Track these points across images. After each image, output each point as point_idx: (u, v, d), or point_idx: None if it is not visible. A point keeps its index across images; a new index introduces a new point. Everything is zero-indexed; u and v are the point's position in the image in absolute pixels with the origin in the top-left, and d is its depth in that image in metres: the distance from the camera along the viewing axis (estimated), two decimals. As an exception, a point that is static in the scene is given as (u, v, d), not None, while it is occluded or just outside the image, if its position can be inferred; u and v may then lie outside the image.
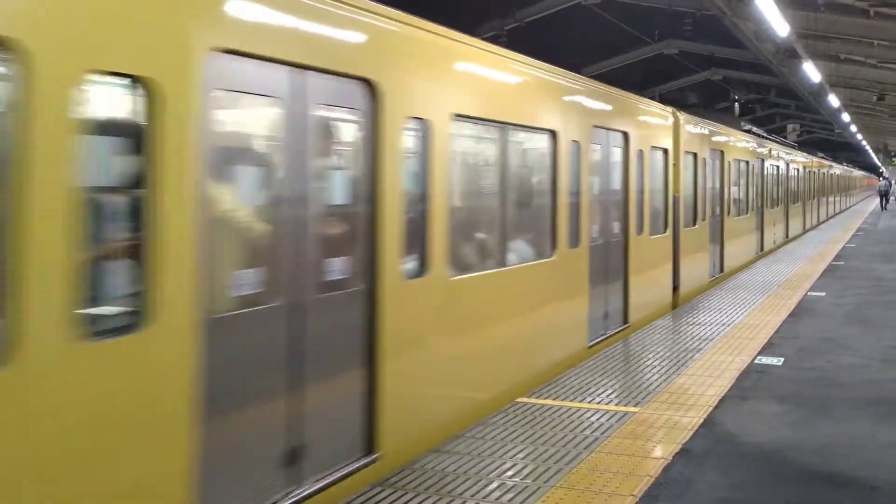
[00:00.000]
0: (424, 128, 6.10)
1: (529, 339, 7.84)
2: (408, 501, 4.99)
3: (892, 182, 55.99)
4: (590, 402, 7.13)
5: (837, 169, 49.98)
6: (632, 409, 6.89)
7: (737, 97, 35.86)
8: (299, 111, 4.90)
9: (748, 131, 21.82)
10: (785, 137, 38.10)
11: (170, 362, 3.93)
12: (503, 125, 7.37)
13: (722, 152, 16.25)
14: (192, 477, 4.00)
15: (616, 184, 10.64)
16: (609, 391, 7.48)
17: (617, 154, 10.53)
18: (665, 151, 12.49)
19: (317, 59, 4.96)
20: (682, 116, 13.39)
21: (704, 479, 5.35)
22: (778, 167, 24.05)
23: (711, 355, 8.84)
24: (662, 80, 28.74)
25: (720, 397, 7.19)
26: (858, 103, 33.45)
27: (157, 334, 3.82)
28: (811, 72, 21.22)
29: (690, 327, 10.48)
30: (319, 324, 5.01)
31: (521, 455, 5.77)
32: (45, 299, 3.31)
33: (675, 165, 12.89)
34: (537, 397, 7.25)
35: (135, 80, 3.78)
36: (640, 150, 11.16)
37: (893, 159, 68.81)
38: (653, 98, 15.37)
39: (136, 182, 3.86)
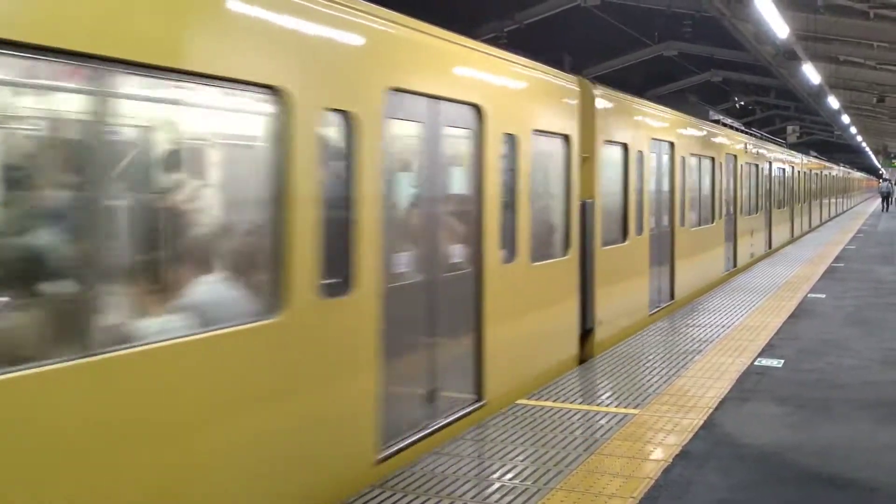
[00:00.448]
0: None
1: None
2: (408, 503, 4.99)
3: (894, 183, 55.88)
4: (589, 403, 7.12)
5: (835, 170, 47.34)
6: (632, 410, 6.88)
7: (736, 98, 35.87)
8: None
9: (717, 122, 17.83)
10: (785, 139, 38.12)
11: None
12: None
13: (672, 144, 13.02)
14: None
15: (466, 185, 7.22)
16: (609, 393, 7.48)
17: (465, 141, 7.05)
18: (566, 139, 8.85)
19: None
20: (599, 91, 9.82)
21: (704, 480, 5.34)
22: (759, 167, 20.97)
23: (711, 357, 8.84)
24: (662, 81, 28.75)
25: (720, 399, 7.19)
26: (858, 105, 33.46)
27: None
28: (811, 73, 21.23)
29: (690, 329, 10.48)
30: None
31: (520, 457, 5.77)
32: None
33: (588, 160, 9.49)
34: (537, 399, 7.25)
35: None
36: (510, 135, 7.59)
37: (894, 161, 68.82)
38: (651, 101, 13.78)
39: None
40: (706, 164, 15.39)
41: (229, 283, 4.77)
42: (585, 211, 9.28)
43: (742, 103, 37.61)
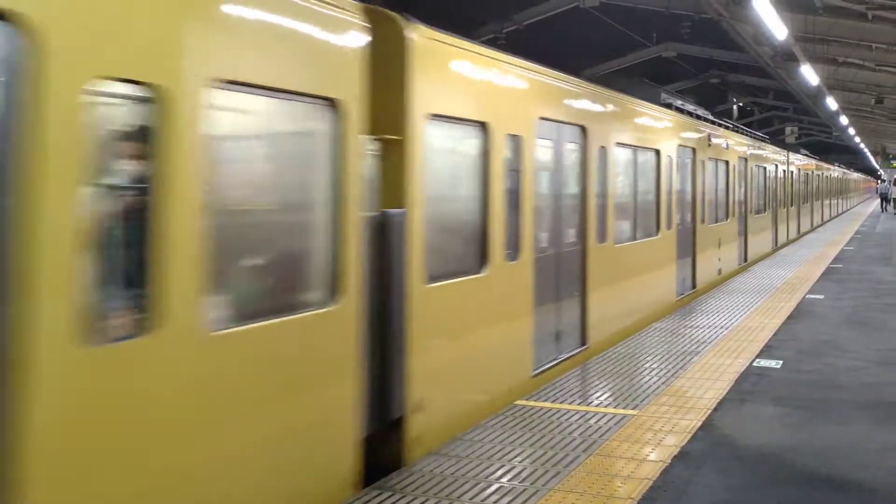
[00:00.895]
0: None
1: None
2: (406, 504, 5.00)
3: (892, 184, 55.82)
4: (588, 404, 7.13)
5: (830, 171, 44.60)
6: (630, 411, 6.89)
7: (735, 100, 35.89)
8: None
9: (668, 106, 13.92)
10: (783, 140, 38.10)
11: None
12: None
13: (584, 129, 9.52)
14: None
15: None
16: (607, 394, 7.48)
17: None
18: (333, 105, 5.22)
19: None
20: (422, 33, 6.37)
21: (703, 481, 5.35)
22: (730, 165, 17.42)
23: (710, 358, 8.85)
24: (661, 83, 28.75)
25: (719, 400, 7.20)
26: (856, 106, 33.50)
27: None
28: (809, 75, 21.25)
29: (689, 330, 10.49)
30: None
31: (519, 458, 5.77)
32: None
33: (399, 148, 6.11)
34: (536, 400, 7.25)
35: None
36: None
37: (892, 162, 68.86)
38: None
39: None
40: (628, 155, 11.34)
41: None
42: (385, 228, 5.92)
43: (740, 104, 37.64)
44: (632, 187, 11.45)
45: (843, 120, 38.03)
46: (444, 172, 7.17)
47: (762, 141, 23.81)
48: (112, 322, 3.77)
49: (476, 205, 7.24)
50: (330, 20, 5.25)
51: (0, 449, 3.29)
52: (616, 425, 6.50)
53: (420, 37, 6.34)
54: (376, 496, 5.09)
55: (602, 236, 9.90)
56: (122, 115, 4.06)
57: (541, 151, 8.50)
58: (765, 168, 21.82)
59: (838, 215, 46.73)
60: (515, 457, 5.79)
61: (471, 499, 5.07)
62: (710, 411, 6.86)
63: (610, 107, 10.60)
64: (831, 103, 29.16)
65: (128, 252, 3.95)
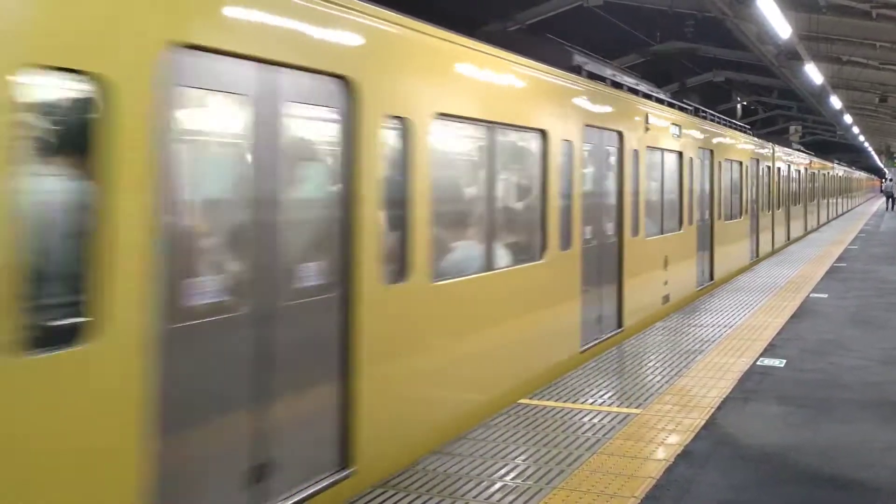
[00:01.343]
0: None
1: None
2: (410, 503, 5.00)
3: None
4: (591, 403, 7.13)
5: (831, 170, 41.61)
6: (634, 410, 6.89)
7: (739, 98, 35.85)
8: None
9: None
10: (787, 139, 38.03)
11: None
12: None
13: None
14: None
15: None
16: (611, 392, 7.49)
17: None
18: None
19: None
20: None
21: (706, 480, 5.35)
22: (682, 156, 13.60)
23: (714, 357, 8.85)
24: (665, 81, 28.73)
25: (722, 399, 7.20)
26: (861, 105, 33.43)
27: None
28: (813, 74, 21.22)
29: (692, 329, 10.48)
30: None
31: (522, 456, 5.78)
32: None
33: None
34: (539, 399, 7.26)
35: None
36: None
37: (896, 161, 68.74)
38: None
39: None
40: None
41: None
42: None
43: (744, 103, 37.60)
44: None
45: (848, 119, 37.96)
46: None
47: (742, 132, 20.23)
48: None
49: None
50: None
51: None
52: (620, 424, 6.50)
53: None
54: (380, 494, 5.10)
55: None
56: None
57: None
58: (741, 164, 18.41)
59: (837, 217, 43.38)
60: (519, 455, 5.80)
61: (475, 497, 5.08)
62: (713, 410, 6.86)
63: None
64: (835, 102, 29.11)
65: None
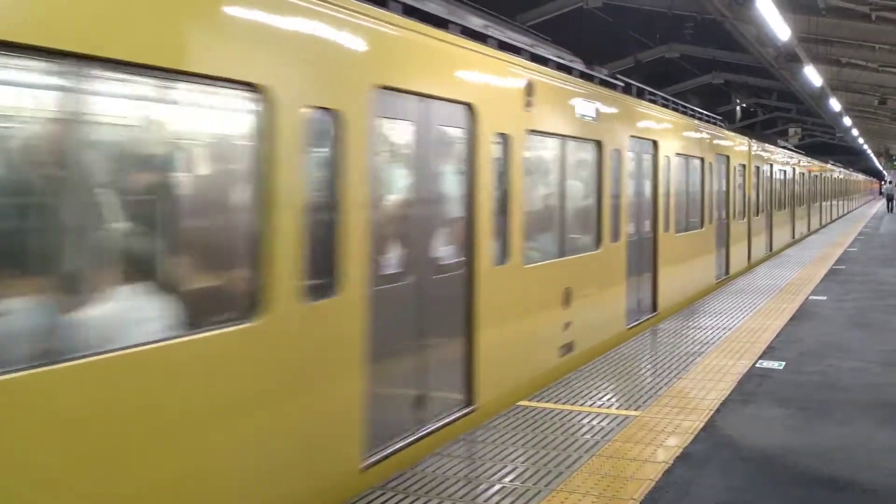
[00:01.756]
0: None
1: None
2: (408, 505, 5.00)
3: None
4: (590, 405, 7.13)
5: (826, 171, 39.06)
6: (633, 412, 6.89)
7: (738, 101, 35.86)
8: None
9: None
10: (787, 141, 38.04)
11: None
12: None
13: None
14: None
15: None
16: (610, 395, 7.48)
17: None
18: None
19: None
20: None
21: (705, 482, 5.35)
22: (600, 147, 10.48)
23: (713, 359, 8.85)
24: (664, 83, 28.75)
25: (721, 401, 7.19)
26: (860, 107, 33.47)
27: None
28: (812, 76, 21.24)
29: (692, 331, 10.48)
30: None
31: (521, 458, 5.78)
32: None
33: None
34: (538, 401, 7.26)
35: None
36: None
37: (895, 163, 68.78)
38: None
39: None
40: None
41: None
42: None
43: (744, 105, 37.61)
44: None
45: (847, 121, 38.00)
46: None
47: (712, 123, 16.29)
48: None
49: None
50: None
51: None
52: (618, 426, 6.50)
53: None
54: (379, 496, 5.10)
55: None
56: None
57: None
58: (701, 161, 14.82)
59: (829, 223, 39.23)
60: (518, 457, 5.80)
61: (473, 499, 5.08)
62: (712, 412, 6.86)
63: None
64: (834, 104, 29.15)
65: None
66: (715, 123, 16.51)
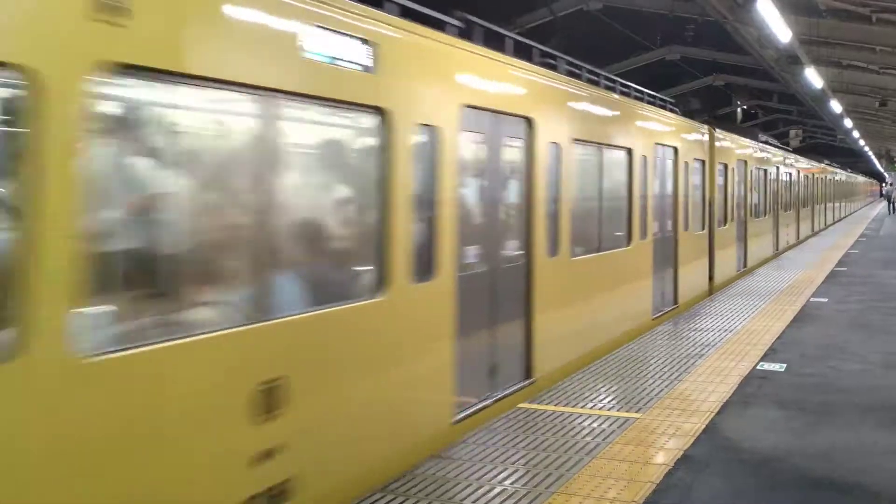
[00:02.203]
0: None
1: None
2: (409, 507, 4.99)
3: None
4: (591, 407, 7.12)
5: (834, 173, 36.72)
6: (633, 414, 6.88)
7: (739, 102, 35.85)
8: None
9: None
10: (787, 143, 38.01)
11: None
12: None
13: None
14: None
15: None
16: (610, 397, 7.47)
17: None
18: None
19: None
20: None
21: (706, 485, 5.34)
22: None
23: (714, 361, 8.84)
24: (665, 85, 28.74)
25: (722, 403, 7.18)
26: (861, 109, 33.45)
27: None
28: (813, 78, 21.23)
29: (693, 333, 10.47)
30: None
31: (522, 461, 5.76)
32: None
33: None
34: (539, 403, 7.25)
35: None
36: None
37: (896, 165, 68.76)
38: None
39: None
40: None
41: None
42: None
43: (745, 107, 37.60)
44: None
45: (848, 123, 37.99)
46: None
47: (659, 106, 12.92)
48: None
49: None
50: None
51: None
52: (619, 428, 6.49)
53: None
54: (380, 498, 5.09)
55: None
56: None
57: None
58: (629, 152, 11.04)
59: (824, 229, 35.13)
60: (518, 460, 5.79)
61: (473, 502, 5.07)
62: (713, 415, 6.85)
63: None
64: (835, 106, 29.14)
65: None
66: (663, 107, 13.00)
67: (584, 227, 9.61)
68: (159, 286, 4.34)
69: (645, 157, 11.38)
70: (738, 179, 17.55)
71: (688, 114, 16.14)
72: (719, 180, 15.78)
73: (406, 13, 6.13)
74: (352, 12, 5.35)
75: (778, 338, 10.12)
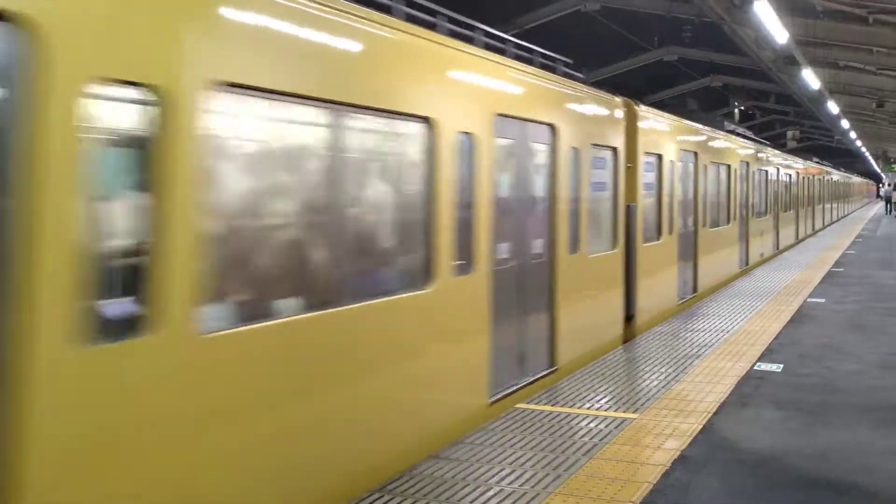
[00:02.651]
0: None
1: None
2: (406, 507, 4.99)
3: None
4: (588, 408, 7.13)
5: (830, 173, 35.08)
6: (631, 415, 6.89)
7: (737, 103, 35.89)
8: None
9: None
10: (784, 144, 38.03)
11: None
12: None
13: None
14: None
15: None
16: (608, 397, 7.48)
17: None
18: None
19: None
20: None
21: (703, 485, 5.35)
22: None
23: (711, 361, 8.84)
24: (663, 86, 28.78)
25: (719, 403, 7.19)
26: (857, 110, 33.49)
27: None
28: (810, 78, 21.27)
29: (690, 333, 10.48)
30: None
31: (519, 461, 5.77)
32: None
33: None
34: (536, 403, 7.25)
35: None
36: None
37: (893, 166, 68.84)
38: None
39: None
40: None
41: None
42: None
43: (742, 108, 37.64)
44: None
45: (845, 124, 38.04)
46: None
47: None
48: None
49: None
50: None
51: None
52: (616, 429, 6.50)
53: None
54: (378, 499, 5.09)
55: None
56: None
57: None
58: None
59: (808, 237, 31.03)
60: (516, 460, 5.79)
61: (471, 502, 5.07)
62: (710, 415, 6.85)
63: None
64: (832, 107, 29.18)
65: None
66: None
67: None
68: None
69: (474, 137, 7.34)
70: (683, 177, 13.70)
71: (687, 114, 15.90)
72: (647, 178, 11.79)
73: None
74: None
75: (775, 338, 10.13)
